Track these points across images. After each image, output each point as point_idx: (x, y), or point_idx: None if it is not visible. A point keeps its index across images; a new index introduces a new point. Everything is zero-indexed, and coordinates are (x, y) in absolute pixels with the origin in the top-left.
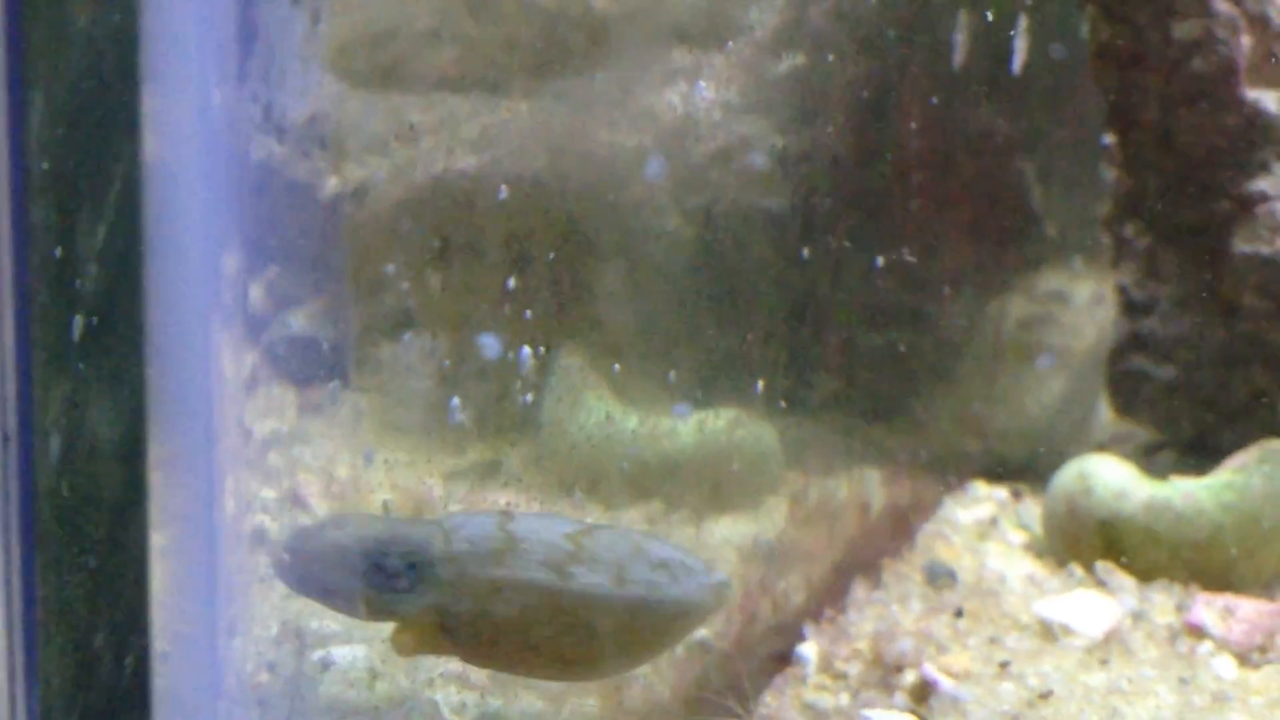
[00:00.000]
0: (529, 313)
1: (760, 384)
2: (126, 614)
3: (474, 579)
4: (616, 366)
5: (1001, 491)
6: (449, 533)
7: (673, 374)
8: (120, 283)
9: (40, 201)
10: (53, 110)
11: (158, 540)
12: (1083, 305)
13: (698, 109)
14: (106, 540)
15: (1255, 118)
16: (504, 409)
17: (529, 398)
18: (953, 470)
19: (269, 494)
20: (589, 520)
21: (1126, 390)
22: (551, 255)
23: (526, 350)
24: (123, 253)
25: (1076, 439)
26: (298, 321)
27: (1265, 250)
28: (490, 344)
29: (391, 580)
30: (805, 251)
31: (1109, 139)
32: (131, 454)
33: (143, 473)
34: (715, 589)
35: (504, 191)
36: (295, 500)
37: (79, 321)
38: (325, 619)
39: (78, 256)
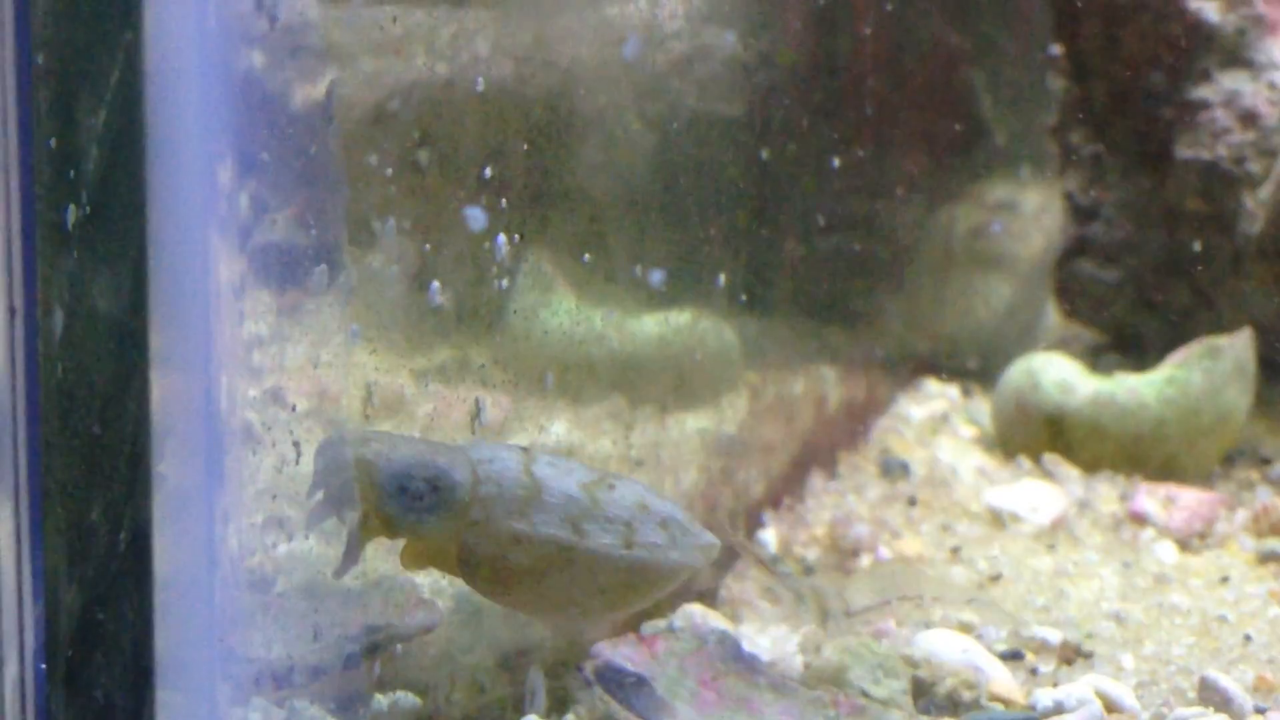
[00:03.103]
0: (503, 217)
1: (720, 285)
2: (123, 489)
3: (498, 525)
4: (586, 257)
5: (953, 389)
6: (476, 467)
7: (637, 273)
8: (119, 173)
9: (43, 92)
10: (56, 10)
11: (160, 434)
12: (1031, 213)
13: (660, 18)
14: (105, 412)
15: (1197, 27)
16: (479, 295)
17: (504, 283)
18: (906, 369)
19: (253, 392)
20: (600, 471)
21: (1073, 293)
22: (517, 161)
23: (502, 238)
24: (121, 144)
25: (1025, 342)
26: (279, 228)
27: (1206, 156)
28: (475, 216)
29: (415, 501)
30: (763, 157)
31: (1056, 49)
32: (131, 333)
33: (142, 352)
34: (706, 549)
35: (480, 83)
36: (276, 398)
37: (73, 210)
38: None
39: (77, 145)
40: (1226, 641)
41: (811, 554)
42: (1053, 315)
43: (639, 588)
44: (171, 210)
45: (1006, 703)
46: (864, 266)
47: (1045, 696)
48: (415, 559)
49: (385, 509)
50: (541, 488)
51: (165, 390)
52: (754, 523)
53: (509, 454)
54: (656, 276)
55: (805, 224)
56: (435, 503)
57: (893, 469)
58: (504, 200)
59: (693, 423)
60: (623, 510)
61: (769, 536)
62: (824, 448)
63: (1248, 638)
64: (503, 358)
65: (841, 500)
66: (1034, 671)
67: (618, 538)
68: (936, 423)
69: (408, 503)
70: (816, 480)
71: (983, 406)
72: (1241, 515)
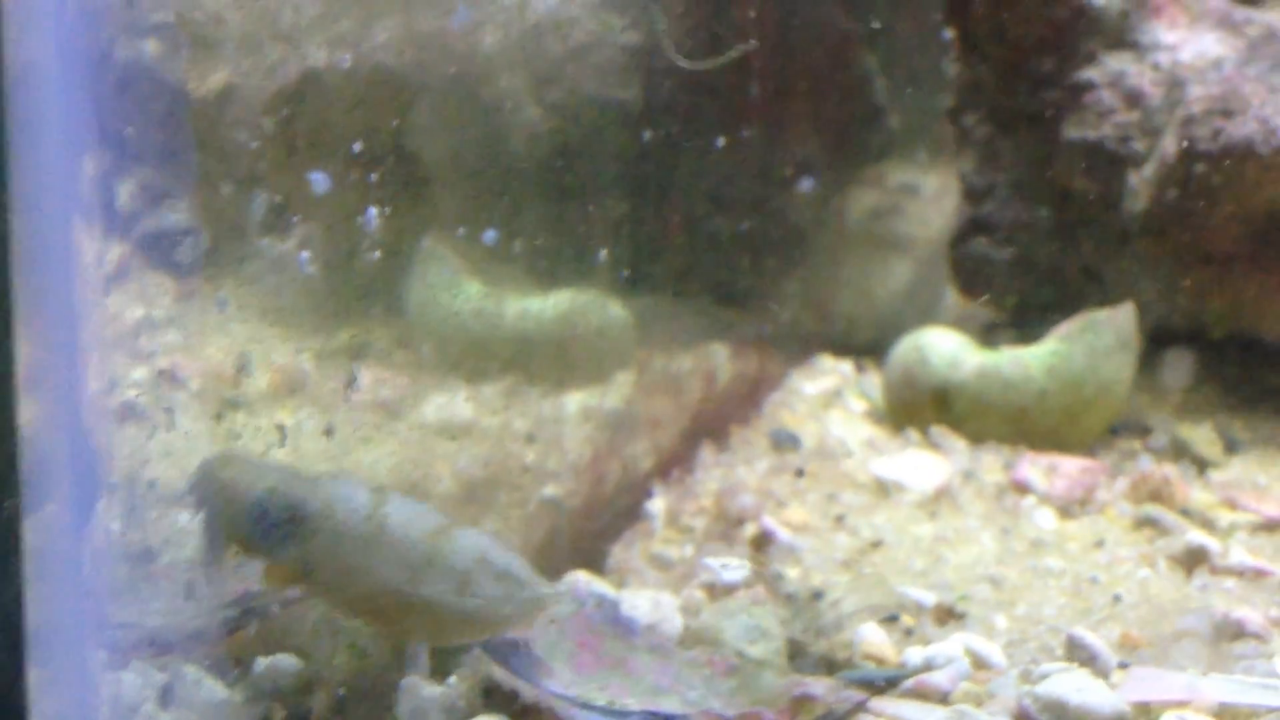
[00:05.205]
0: (389, 203)
1: (612, 265)
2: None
3: (340, 560)
4: (461, 231)
5: (846, 365)
6: (328, 503)
7: (527, 255)
8: None
9: None
10: None
11: (28, 410)
12: (930, 195)
13: (556, 7)
14: None
15: (1082, 10)
16: (354, 268)
17: (376, 255)
18: (799, 347)
19: (140, 373)
20: (448, 519)
21: (968, 271)
22: (413, 146)
23: (373, 210)
24: None
25: (924, 321)
26: (172, 215)
27: (1092, 135)
28: (319, 180)
29: (272, 530)
30: (653, 141)
31: (949, 33)
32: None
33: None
34: (539, 602)
35: (347, 60)
36: (170, 379)
37: None
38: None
39: None
40: (1097, 601)
41: (699, 523)
42: (951, 294)
43: (467, 632)
44: (33, 189)
45: (879, 661)
46: (755, 246)
47: (916, 655)
48: (277, 579)
49: (242, 534)
50: (383, 529)
51: (33, 368)
52: (643, 495)
53: (361, 492)
54: (489, 237)
55: (693, 204)
56: (291, 532)
57: (783, 442)
58: (373, 175)
59: (581, 398)
60: (461, 560)
61: (656, 507)
62: (714, 422)
63: (1117, 598)
64: (400, 342)
65: (730, 472)
66: (908, 632)
67: (452, 586)
68: (829, 398)
69: (264, 530)
70: (707, 453)
71: (875, 382)
72: (1121, 483)
